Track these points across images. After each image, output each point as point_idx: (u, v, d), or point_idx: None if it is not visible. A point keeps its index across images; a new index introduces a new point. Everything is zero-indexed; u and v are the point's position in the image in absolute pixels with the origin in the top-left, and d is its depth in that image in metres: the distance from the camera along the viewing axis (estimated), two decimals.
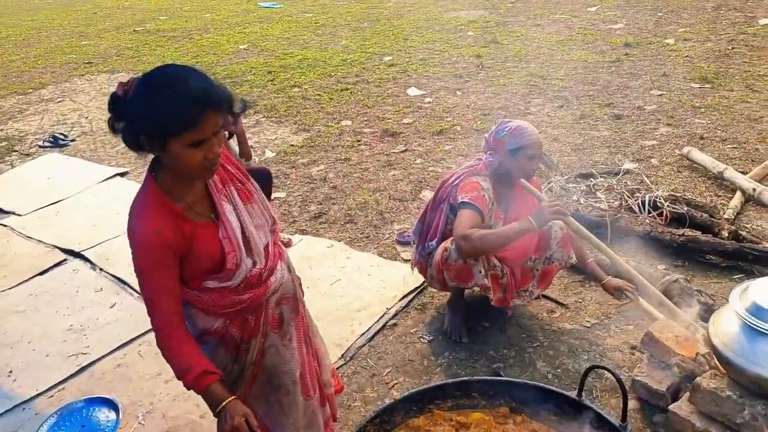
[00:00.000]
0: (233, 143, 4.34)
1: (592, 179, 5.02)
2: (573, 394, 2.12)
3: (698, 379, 2.62)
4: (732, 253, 3.87)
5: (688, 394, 2.69)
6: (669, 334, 3.05)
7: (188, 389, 1.95)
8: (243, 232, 2.05)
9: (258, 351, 2.18)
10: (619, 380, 1.94)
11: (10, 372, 3.61)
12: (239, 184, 2.11)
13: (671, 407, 2.69)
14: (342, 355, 3.55)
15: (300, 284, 2.45)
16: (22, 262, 4.72)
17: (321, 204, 5.37)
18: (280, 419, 2.29)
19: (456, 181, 3.44)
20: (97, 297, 4.27)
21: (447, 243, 3.32)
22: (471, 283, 3.35)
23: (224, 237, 2.00)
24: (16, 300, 4.31)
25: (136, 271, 1.93)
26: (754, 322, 2.41)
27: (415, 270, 3.78)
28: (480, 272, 3.30)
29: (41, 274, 4.58)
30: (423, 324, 3.78)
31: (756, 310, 2.43)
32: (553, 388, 2.17)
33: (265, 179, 4.43)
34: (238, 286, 2.05)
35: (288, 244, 4.69)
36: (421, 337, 3.66)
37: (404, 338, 3.67)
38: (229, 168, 2.11)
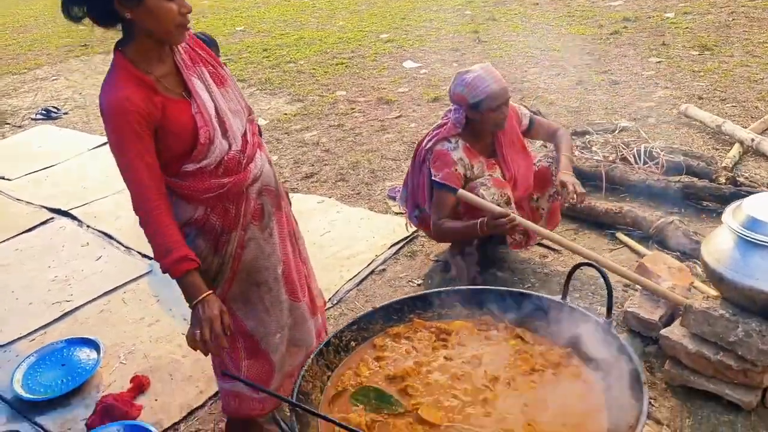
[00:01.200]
0: None
1: (587, 135, 4.93)
2: (557, 297, 2.05)
3: (689, 300, 2.54)
4: (729, 198, 3.76)
5: (680, 318, 2.61)
6: (662, 265, 2.96)
7: (164, 272, 1.90)
8: (217, 113, 2.00)
9: (238, 243, 2.12)
10: (603, 275, 1.86)
11: None
12: (211, 68, 2.06)
13: (663, 331, 2.61)
14: (330, 299, 3.48)
15: (287, 193, 2.40)
16: (9, 221, 4.67)
17: (313, 165, 5.30)
18: (262, 317, 2.24)
19: (429, 144, 3.34)
20: (83, 251, 4.21)
21: (476, 190, 3.14)
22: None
23: (196, 112, 1.95)
24: (0, 255, 4.25)
25: (111, 147, 1.88)
26: (748, 235, 2.32)
27: (410, 226, 3.71)
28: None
29: (28, 231, 4.52)
30: (412, 269, 3.70)
31: (751, 223, 2.34)
32: (537, 293, 2.09)
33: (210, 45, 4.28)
34: (217, 170, 2.00)
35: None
36: (410, 281, 3.59)
37: (393, 282, 3.59)
38: (200, 52, 2.05)
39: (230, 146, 2.02)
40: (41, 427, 2.74)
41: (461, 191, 3.10)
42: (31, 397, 2.87)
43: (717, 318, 2.43)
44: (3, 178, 5.49)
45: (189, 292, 1.90)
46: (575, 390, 1.78)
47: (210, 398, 2.84)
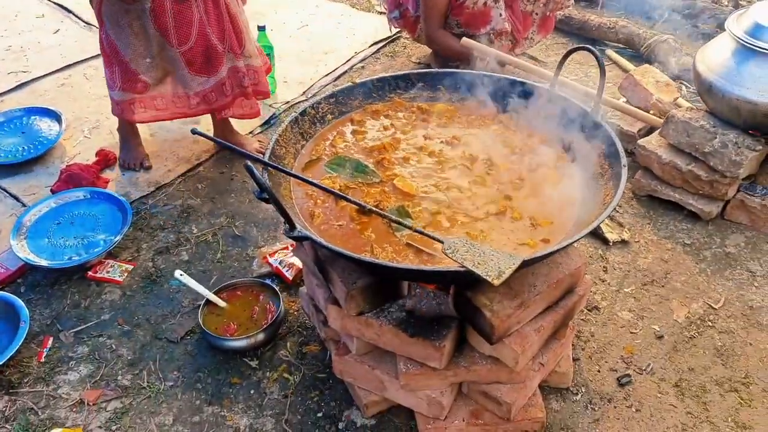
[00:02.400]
0: None
1: None
2: (546, 84, 1.96)
3: (673, 111, 2.50)
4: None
5: (659, 130, 2.59)
6: (650, 78, 2.88)
7: None
8: None
9: None
10: (596, 56, 1.76)
11: None
12: None
13: (640, 141, 2.60)
14: (304, 92, 3.35)
15: None
16: None
17: None
18: (131, 41, 2.45)
19: None
20: (39, 22, 3.89)
21: None
22: (486, 27, 3.06)
23: None
24: None
25: None
26: (750, 42, 2.22)
27: (393, 28, 3.47)
28: (500, 15, 3.02)
29: None
30: (393, 70, 3.54)
31: (754, 29, 2.23)
32: (525, 80, 2.00)
33: None
34: None
35: None
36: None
37: None
38: None
39: None
40: (3, 189, 2.69)
41: (465, 39, 2.92)
42: None
43: (697, 128, 2.41)
44: None
45: None
46: (553, 173, 1.77)
47: (179, 177, 2.81)
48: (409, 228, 1.50)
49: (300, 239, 1.47)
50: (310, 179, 1.62)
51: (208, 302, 2.15)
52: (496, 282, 1.31)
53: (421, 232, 1.49)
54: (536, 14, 3.26)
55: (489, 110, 2.02)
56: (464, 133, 1.94)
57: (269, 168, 1.64)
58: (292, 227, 1.46)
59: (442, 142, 1.91)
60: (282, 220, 1.47)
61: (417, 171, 1.80)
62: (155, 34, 2.44)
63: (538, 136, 1.90)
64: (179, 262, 2.41)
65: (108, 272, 2.33)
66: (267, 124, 3.14)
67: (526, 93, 1.98)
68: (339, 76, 3.47)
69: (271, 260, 2.36)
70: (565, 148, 1.86)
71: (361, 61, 3.60)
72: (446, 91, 2.08)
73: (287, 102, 3.26)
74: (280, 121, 3.15)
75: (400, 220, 1.52)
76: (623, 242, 2.48)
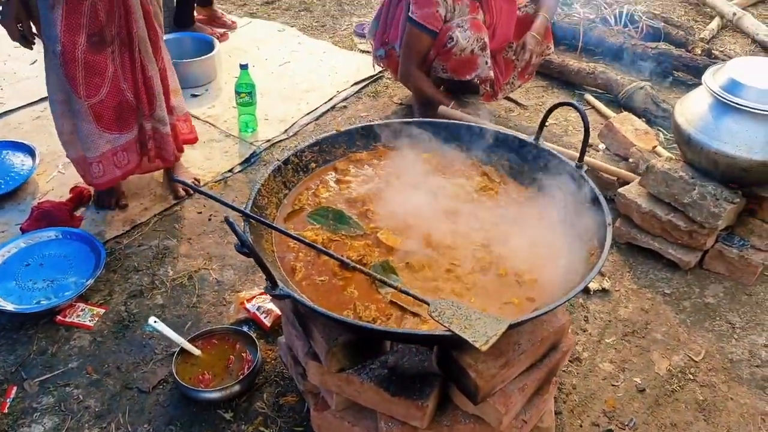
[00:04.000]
0: None
1: None
2: (530, 138, 1.97)
3: (652, 161, 2.53)
4: (702, 70, 3.69)
5: (638, 178, 2.61)
6: (629, 126, 2.92)
7: None
8: None
9: None
10: (582, 113, 1.77)
11: None
12: None
13: (620, 190, 2.63)
14: (285, 130, 3.32)
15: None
16: None
17: None
18: (48, 75, 2.37)
19: None
20: (16, 52, 3.80)
21: (452, 31, 2.97)
22: (472, 75, 3.09)
23: None
24: None
25: None
26: (725, 97, 2.27)
27: (376, 65, 3.50)
28: (486, 63, 3.06)
29: None
30: (374, 110, 3.55)
31: (730, 86, 2.28)
32: (511, 133, 2.01)
33: None
34: None
35: (232, 27, 4.26)
36: (371, 120, 3.45)
37: (353, 120, 3.45)
38: None
39: None
40: None
41: (443, 108, 2.96)
42: None
43: (676, 179, 2.44)
44: None
45: None
46: (537, 229, 1.76)
47: (155, 216, 2.74)
48: (394, 287, 1.47)
49: (281, 297, 1.43)
50: (292, 233, 1.59)
51: (183, 350, 2.08)
52: (484, 348, 1.28)
53: (405, 292, 1.46)
54: (518, 61, 3.31)
55: (474, 161, 2.02)
56: (448, 184, 1.92)
57: (250, 220, 1.61)
58: (274, 285, 1.42)
59: (427, 193, 1.89)
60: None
61: (401, 223, 1.77)
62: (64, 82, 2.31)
63: (523, 189, 1.90)
64: (153, 307, 2.34)
65: (78, 317, 2.25)
66: (247, 162, 3.10)
67: (511, 145, 1.98)
68: (321, 115, 3.46)
69: (248, 306, 2.31)
70: (550, 203, 1.85)
71: (344, 100, 3.60)
72: (431, 141, 2.07)
73: (268, 140, 3.23)
74: (260, 160, 3.11)
75: (385, 279, 1.49)
76: (604, 291, 2.47)
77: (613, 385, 2.13)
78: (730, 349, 2.26)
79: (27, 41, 2.38)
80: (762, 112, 2.21)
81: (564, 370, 2.16)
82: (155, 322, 2.05)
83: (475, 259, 1.66)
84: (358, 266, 1.52)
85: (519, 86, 3.47)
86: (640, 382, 2.14)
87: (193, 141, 2.81)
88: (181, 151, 2.74)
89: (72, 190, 2.75)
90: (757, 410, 2.05)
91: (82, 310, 2.27)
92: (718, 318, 2.38)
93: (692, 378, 2.16)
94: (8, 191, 2.74)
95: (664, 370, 2.18)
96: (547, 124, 1.92)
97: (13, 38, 2.36)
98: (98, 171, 2.49)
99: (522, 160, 1.96)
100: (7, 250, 2.39)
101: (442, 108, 2.94)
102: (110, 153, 2.49)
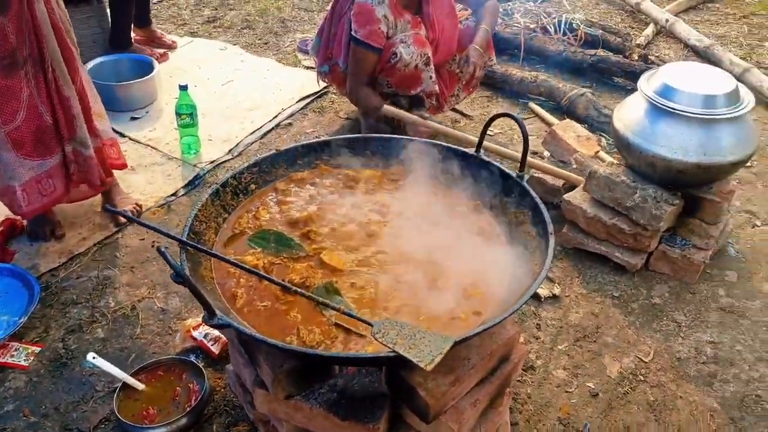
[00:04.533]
0: None
1: (510, 2, 4.75)
2: (471, 150, 1.97)
3: (595, 166, 2.57)
4: (639, 75, 3.78)
5: (582, 184, 2.65)
6: (571, 133, 2.97)
7: None
8: None
9: None
10: (520, 124, 1.78)
11: None
12: None
13: (565, 196, 2.66)
14: (229, 150, 3.26)
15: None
16: None
17: (216, 9, 4.80)
18: None
19: None
20: None
21: (395, 47, 2.97)
22: (417, 89, 3.09)
23: None
24: None
25: None
26: (659, 102, 2.32)
27: (321, 82, 3.47)
28: (430, 78, 3.07)
29: None
30: (321, 126, 3.52)
31: (663, 90, 2.34)
32: (451, 145, 2.00)
33: None
34: None
35: (172, 47, 4.18)
36: (317, 137, 3.41)
37: (299, 137, 3.41)
38: None
39: None
40: None
41: (386, 107, 2.95)
42: None
43: (618, 183, 2.48)
44: None
45: None
46: (481, 241, 1.75)
47: (95, 245, 2.64)
48: (337, 310, 1.44)
49: (220, 327, 1.38)
50: (230, 259, 1.54)
51: (126, 385, 1.99)
52: (429, 368, 1.25)
53: (349, 314, 1.42)
54: (462, 74, 3.33)
55: (417, 176, 2.00)
56: (392, 200, 1.90)
57: (187, 248, 1.55)
58: (212, 314, 1.37)
59: (370, 210, 1.86)
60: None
61: (344, 243, 1.74)
62: None
63: (465, 202, 1.89)
64: (94, 341, 2.24)
65: (12, 357, 2.13)
66: (191, 185, 3.02)
67: (453, 158, 1.97)
68: (266, 134, 3.41)
69: (195, 334, 2.23)
70: (493, 214, 1.85)
71: (288, 117, 3.56)
72: (373, 157, 2.05)
73: (212, 161, 3.16)
74: (204, 182, 3.04)
75: (327, 301, 1.46)
76: (554, 297, 2.49)
77: (567, 392, 2.13)
78: (677, 347, 2.30)
79: None
80: (694, 115, 2.27)
81: (518, 380, 2.16)
82: (94, 357, 1.96)
83: (420, 275, 1.64)
84: (299, 290, 1.48)
85: (464, 98, 3.50)
86: (593, 386, 2.15)
87: (122, 167, 2.70)
88: (110, 176, 2.64)
89: (2, 222, 2.63)
90: (706, 407, 2.09)
91: (16, 350, 2.15)
92: (664, 318, 2.42)
93: (643, 379, 2.18)
94: None
95: (615, 373, 2.20)
96: (491, 133, 1.93)
97: None
98: (23, 200, 2.38)
99: (465, 172, 1.95)
100: None
101: (386, 107, 2.95)
102: (34, 181, 2.38)
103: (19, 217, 2.63)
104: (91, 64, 3.60)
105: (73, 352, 2.19)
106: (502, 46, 4.15)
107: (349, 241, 1.75)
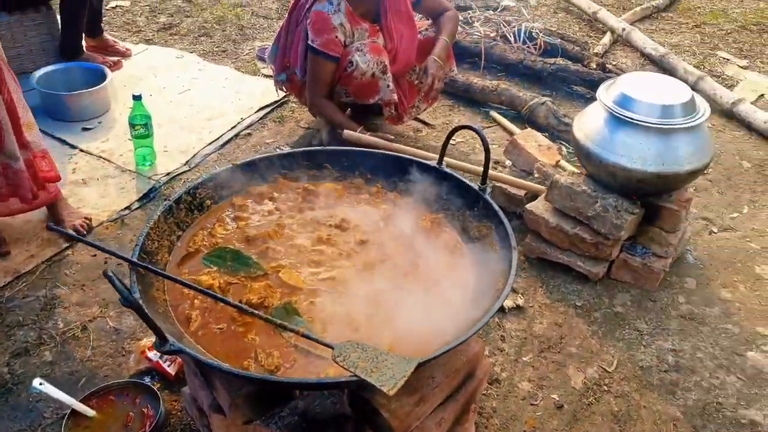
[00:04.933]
0: None
1: (469, 11, 4.77)
2: (433, 162, 1.94)
3: (556, 176, 2.58)
4: (597, 83, 3.82)
5: (544, 194, 2.65)
6: (532, 142, 2.98)
7: None
8: None
9: None
10: (482, 137, 1.76)
11: None
12: None
13: (528, 206, 2.65)
14: (186, 162, 3.17)
15: None
16: None
17: (172, 16, 4.69)
18: None
19: (308, 4, 3.01)
20: None
21: (351, 55, 2.93)
22: (374, 98, 3.05)
23: None
24: None
25: None
26: (618, 111, 2.34)
27: (279, 91, 3.40)
28: (388, 86, 3.02)
29: None
30: (281, 136, 3.45)
31: (622, 100, 2.36)
32: (412, 158, 1.97)
33: None
34: None
35: (126, 54, 4.06)
36: (278, 147, 3.35)
37: (259, 148, 3.34)
38: None
39: None
40: None
41: (347, 132, 2.88)
42: None
43: (579, 193, 2.49)
44: None
45: None
46: (444, 256, 1.72)
47: (44, 262, 2.52)
48: (296, 332, 1.38)
49: (172, 353, 1.31)
50: (183, 280, 1.47)
51: (75, 412, 1.89)
52: (392, 392, 1.21)
53: (308, 337, 1.37)
54: (421, 85, 3.30)
55: (377, 189, 1.97)
56: (353, 214, 1.86)
57: (138, 269, 1.47)
58: (163, 341, 1.30)
59: (330, 225, 1.81)
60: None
61: (304, 260, 1.69)
62: None
63: (427, 216, 1.86)
64: (41, 365, 2.13)
65: None
66: (146, 198, 2.92)
67: (414, 171, 1.94)
68: (224, 144, 3.33)
69: (150, 354, 2.14)
70: (455, 227, 1.83)
71: (248, 127, 3.48)
72: (333, 170, 2.01)
73: (168, 173, 3.07)
74: (160, 195, 2.94)
75: (285, 324, 1.40)
76: (518, 308, 2.48)
77: (532, 404, 2.12)
78: (640, 356, 2.31)
79: None
80: (653, 125, 2.29)
81: (484, 394, 2.13)
82: (41, 383, 1.86)
83: (383, 294, 1.60)
84: (255, 312, 1.43)
85: (424, 109, 3.48)
86: (557, 398, 2.14)
87: (55, 179, 2.57)
88: (42, 189, 2.52)
89: None
90: (669, 416, 2.10)
91: None
92: (627, 326, 2.43)
93: (607, 389, 2.18)
94: None
95: (580, 384, 2.19)
96: (453, 143, 1.90)
97: None
98: None
99: (426, 185, 1.92)
100: None
101: (346, 132, 2.88)
102: None
103: None
104: (40, 72, 3.47)
105: (19, 377, 2.08)
106: (463, 55, 4.16)
107: (308, 257, 1.69)
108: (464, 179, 1.86)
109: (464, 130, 3.49)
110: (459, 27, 4.34)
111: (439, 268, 1.67)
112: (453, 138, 1.97)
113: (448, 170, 1.91)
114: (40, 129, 2.58)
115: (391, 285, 1.62)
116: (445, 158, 1.92)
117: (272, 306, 1.53)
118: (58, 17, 3.75)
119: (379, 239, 1.76)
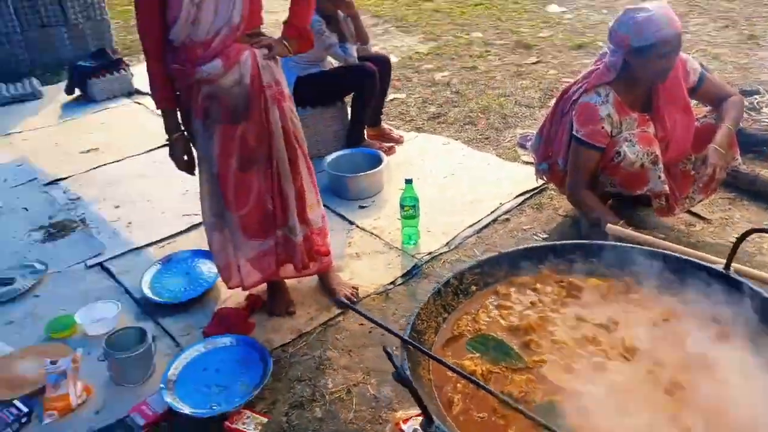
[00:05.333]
0: (350, 25, 4.17)
1: (757, 96, 4.31)
2: (720, 267, 1.76)
3: None
4: None
5: None
6: None
7: (156, 107, 2.58)
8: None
9: (187, 121, 2.59)
10: None
11: (129, 224, 3.77)
12: None
13: None
14: (447, 243, 3.34)
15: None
16: (150, 135, 4.90)
17: (441, 106, 5.10)
18: (202, 193, 2.68)
19: (575, 96, 3.03)
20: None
21: (619, 146, 2.89)
22: (643, 189, 2.95)
23: None
24: (141, 166, 4.51)
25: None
26: None
27: (539, 179, 3.45)
28: (659, 177, 2.90)
29: (165, 145, 4.72)
30: (538, 222, 3.46)
31: None
32: (695, 260, 1.81)
33: (383, 63, 4.24)
34: (179, 53, 2.36)
35: (399, 141, 4.50)
36: (534, 234, 3.35)
37: (516, 233, 3.38)
38: None
39: (197, 26, 2.29)
40: (164, 328, 2.87)
41: (611, 226, 2.70)
42: (158, 299, 3.01)
43: None
44: (149, 93, 5.78)
45: (166, 126, 2.59)
46: (735, 377, 1.52)
47: (320, 325, 2.84)
48: None
49: None
50: (451, 365, 1.53)
51: None
52: None
53: None
54: (699, 176, 3.04)
55: (651, 290, 1.84)
56: (622, 315, 1.76)
57: (408, 346, 1.58)
58: (430, 421, 1.36)
59: (596, 324, 1.74)
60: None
61: (568, 359, 1.64)
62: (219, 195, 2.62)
63: (712, 328, 1.67)
64: (313, 420, 2.36)
65: (244, 424, 2.33)
66: (409, 275, 3.14)
67: (695, 274, 1.78)
68: (483, 228, 3.45)
69: (404, 427, 2.23)
70: (747, 344, 1.61)
71: (506, 212, 3.56)
72: (602, 265, 1.94)
73: (430, 252, 3.26)
74: (421, 273, 3.14)
75: (550, 426, 1.36)
76: None
77: None
78: None
79: (190, 169, 2.68)
80: None
81: None
82: None
83: (656, 412, 1.46)
84: (519, 407, 1.41)
85: (699, 201, 3.20)
86: None
87: (326, 253, 2.88)
88: (313, 260, 2.83)
89: (248, 297, 2.96)
90: None
91: (247, 417, 2.35)
92: None
93: None
94: (196, 296, 3.02)
95: None
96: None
97: (180, 168, 2.68)
98: (246, 275, 2.74)
99: (710, 292, 1.74)
100: (188, 354, 2.58)
101: (610, 226, 2.76)
102: (255, 258, 2.71)
103: (260, 294, 2.96)
104: (330, 157, 4.02)
105: (295, 428, 2.33)
106: (748, 143, 3.75)
107: (572, 357, 1.64)
108: (761, 290, 1.65)
109: (751, 216, 3.11)
110: (744, 113, 3.96)
111: (726, 389, 1.47)
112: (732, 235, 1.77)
113: (738, 276, 1.71)
114: (325, 205, 2.97)
115: (665, 401, 1.47)
116: (732, 263, 1.73)
117: (533, 402, 1.50)
118: (348, 110, 4.36)
119: (652, 347, 1.63)
